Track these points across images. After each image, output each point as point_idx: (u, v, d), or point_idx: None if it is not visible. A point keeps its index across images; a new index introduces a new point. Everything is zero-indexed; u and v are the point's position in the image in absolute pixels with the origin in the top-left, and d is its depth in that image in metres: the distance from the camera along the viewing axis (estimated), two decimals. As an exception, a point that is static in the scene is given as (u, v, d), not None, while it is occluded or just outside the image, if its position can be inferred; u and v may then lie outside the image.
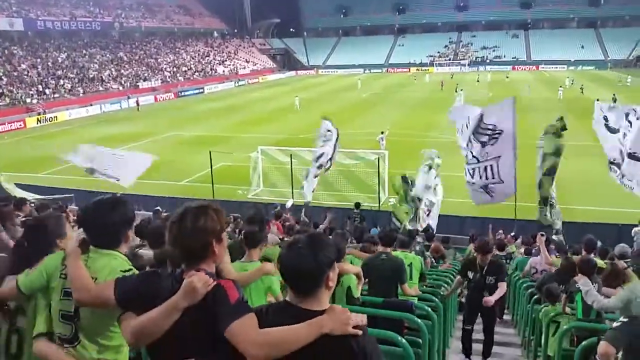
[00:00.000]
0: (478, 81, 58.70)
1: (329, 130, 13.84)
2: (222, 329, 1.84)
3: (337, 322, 1.78)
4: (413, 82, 62.10)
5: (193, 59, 72.35)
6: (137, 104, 45.66)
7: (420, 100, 44.80)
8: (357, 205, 13.85)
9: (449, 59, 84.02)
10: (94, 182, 18.91)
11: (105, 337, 2.48)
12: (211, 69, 71.67)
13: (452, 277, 7.95)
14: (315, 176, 13.97)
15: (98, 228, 2.50)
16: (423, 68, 79.04)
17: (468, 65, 78.51)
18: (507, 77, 57.69)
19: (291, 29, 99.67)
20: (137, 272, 2.47)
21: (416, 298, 5.60)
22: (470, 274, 6.31)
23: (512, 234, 12.00)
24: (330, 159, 13.76)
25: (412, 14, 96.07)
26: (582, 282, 4.97)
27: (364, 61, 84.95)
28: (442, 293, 6.87)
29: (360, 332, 1.79)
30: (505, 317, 8.91)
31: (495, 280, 6.13)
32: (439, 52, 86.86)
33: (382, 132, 24.64)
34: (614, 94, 38.02)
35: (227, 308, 1.89)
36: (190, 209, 2.03)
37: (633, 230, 10.30)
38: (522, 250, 9.93)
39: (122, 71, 56.60)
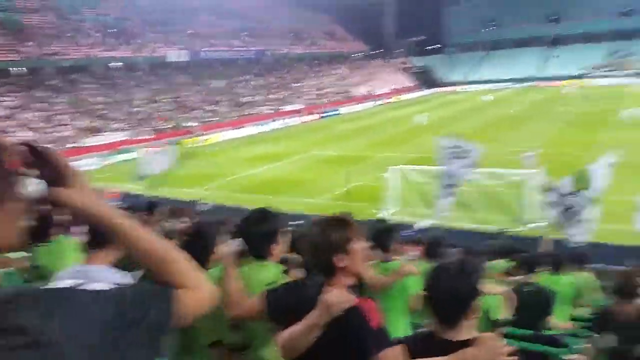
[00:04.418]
0: None
1: (456, 147, 13.01)
2: (369, 356, 1.79)
3: (487, 354, 1.63)
4: (564, 96, 56.94)
5: (336, 81, 75.04)
6: (285, 125, 49.71)
7: (575, 116, 40.77)
8: (502, 231, 12.96)
9: (610, 71, 75.41)
10: (242, 199, 20.29)
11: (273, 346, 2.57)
12: (351, 90, 73.59)
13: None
14: (447, 196, 13.22)
15: (248, 238, 2.64)
16: (579, 81, 72.11)
17: (634, 76, 69.64)
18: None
19: (435, 46, 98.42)
20: (284, 279, 2.52)
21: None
22: (610, 338, 3.34)
23: None
24: (460, 177, 12.89)
25: (567, 23, 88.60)
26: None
27: (513, 75, 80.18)
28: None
29: None
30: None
31: None
32: (598, 64, 78.52)
33: (531, 151, 22.78)
34: None
35: (369, 333, 1.84)
36: (317, 223, 2.06)
37: None
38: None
39: (270, 95, 60.72)
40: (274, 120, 51.28)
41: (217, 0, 70.85)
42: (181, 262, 1.19)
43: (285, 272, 2.71)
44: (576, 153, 25.85)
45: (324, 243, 1.97)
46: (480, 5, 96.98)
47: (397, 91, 79.18)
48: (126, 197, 19.58)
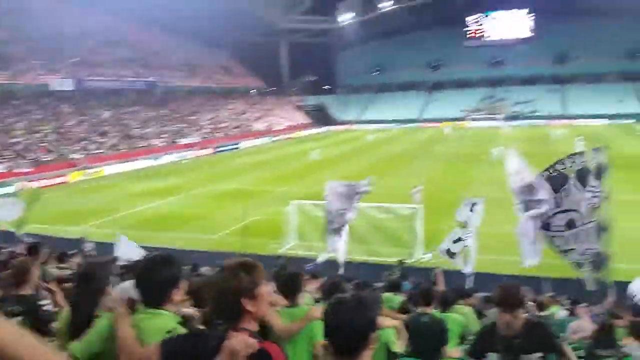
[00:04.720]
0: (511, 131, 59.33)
1: (344, 188, 13.34)
2: None
3: None
4: (446, 137, 62.12)
5: (231, 116, 74.85)
6: (181, 159, 48.98)
7: (454, 154, 44.53)
8: (401, 261, 13.58)
9: (484, 114, 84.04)
10: (137, 237, 19.30)
11: None
12: (248, 125, 73.84)
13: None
14: (334, 234, 13.48)
15: (146, 285, 2.50)
16: (457, 123, 79.18)
17: (504, 120, 78.10)
18: (548, 134, 56.82)
19: (327, 86, 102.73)
20: (182, 329, 2.42)
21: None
22: (492, 356, 3.31)
23: (550, 294, 11.28)
24: (345, 214, 13.15)
25: (446, 70, 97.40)
26: (633, 346, 4.61)
27: (398, 116, 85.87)
28: None
29: None
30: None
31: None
32: (473, 107, 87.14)
33: (417, 186, 24.39)
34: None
35: None
36: (221, 269, 2.04)
37: None
38: (565, 313, 9.24)
39: (164, 128, 58.90)
40: (168, 154, 49.72)
41: (106, 28, 67.93)
42: None
43: (182, 323, 2.56)
44: (455, 189, 28.23)
45: (234, 287, 1.97)
46: (368, 52, 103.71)
47: (294, 128, 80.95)
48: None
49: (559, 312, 9.54)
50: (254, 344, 1.88)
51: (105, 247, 15.38)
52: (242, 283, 1.97)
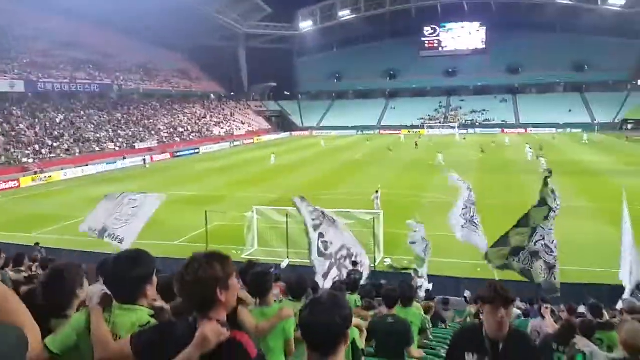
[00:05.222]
0: (465, 139, 63.68)
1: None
2: None
3: None
4: (403, 143, 63.41)
5: (190, 120, 73.73)
6: (144, 162, 48.35)
7: (410, 161, 45.48)
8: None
9: (439, 122, 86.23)
10: (89, 242, 18.79)
11: None
12: (207, 130, 72.92)
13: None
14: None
15: (119, 282, 2.55)
16: (414, 130, 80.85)
17: (458, 127, 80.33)
18: (493, 143, 58.98)
19: (286, 92, 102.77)
20: (155, 323, 2.48)
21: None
22: (470, 357, 3.04)
23: None
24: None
25: (403, 79, 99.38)
26: (583, 343, 4.94)
27: (357, 123, 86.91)
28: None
29: None
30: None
31: None
32: (429, 115, 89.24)
33: (377, 192, 24.85)
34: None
35: None
36: (194, 259, 2.06)
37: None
38: (518, 313, 9.76)
39: (119, 132, 57.42)
40: (124, 158, 48.50)
41: (59, 29, 65.58)
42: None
43: (153, 316, 2.62)
44: (411, 193, 28.90)
45: (210, 277, 2.00)
46: (327, 59, 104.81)
47: (254, 133, 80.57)
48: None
49: (514, 311, 10.13)
50: (225, 331, 1.96)
51: (57, 254, 14.95)
52: (217, 273, 2.02)
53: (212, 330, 1.94)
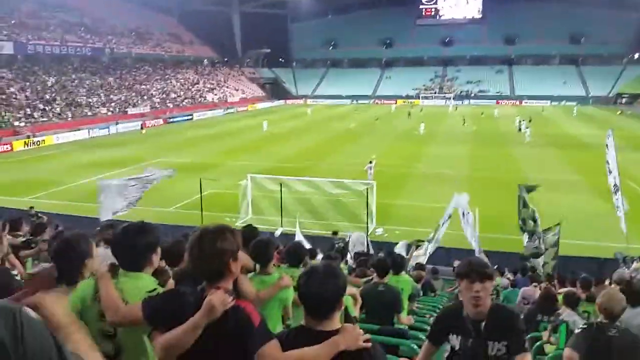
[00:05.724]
0: (456, 109, 64.73)
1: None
2: (253, 351, 2.02)
3: (351, 339, 2.02)
4: (396, 114, 63.26)
5: (183, 86, 72.81)
6: (142, 128, 48.34)
7: (404, 131, 45.49)
8: (335, 232, 14.37)
9: (435, 92, 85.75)
10: (79, 208, 18.92)
11: (144, 354, 2.63)
12: (200, 97, 72.15)
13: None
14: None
15: (127, 251, 2.68)
16: (409, 100, 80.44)
17: (453, 99, 79.99)
18: (482, 114, 58.97)
19: (281, 59, 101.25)
20: (161, 290, 2.62)
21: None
22: (454, 339, 2.99)
23: (494, 267, 12.12)
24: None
25: (399, 48, 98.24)
26: (566, 313, 5.18)
27: (352, 92, 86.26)
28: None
29: (370, 345, 2.04)
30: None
31: (507, 349, 2.87)
32: (424, 86, 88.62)
33: (370, 162, 24.95)
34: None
35: (252, 330, 2.06)
36: (208, 232, 2.18)
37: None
38: (506, 282, 10.10)
39: (112, 96, 56.72)
40: (117, 123, 48.08)
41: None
42: None
43: (160, 284, 2.74)
44: (405, 163, 29.09)
45: (224, 250, 2.13)
46: (323, 26, 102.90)
47: (248, 100, 79.79)
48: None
49: (502, 281, 10.52)
50: (231, 300, 2.09)
51: (53, 218, 15.06)
52: (231, 245, 2.16)
53: (219, 299, 2.06)
